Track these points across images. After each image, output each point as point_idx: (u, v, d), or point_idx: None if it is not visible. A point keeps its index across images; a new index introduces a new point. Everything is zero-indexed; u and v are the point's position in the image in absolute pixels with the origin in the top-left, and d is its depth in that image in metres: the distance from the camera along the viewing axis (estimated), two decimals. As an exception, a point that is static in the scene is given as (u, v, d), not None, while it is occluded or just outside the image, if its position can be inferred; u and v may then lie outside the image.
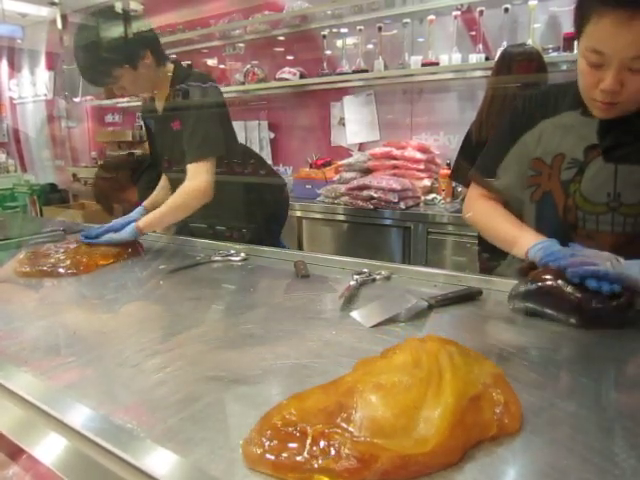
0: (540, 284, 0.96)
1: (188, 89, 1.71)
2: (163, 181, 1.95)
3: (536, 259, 1.02)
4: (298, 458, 0.55)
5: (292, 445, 0.56)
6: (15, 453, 0.65)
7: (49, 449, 0.60)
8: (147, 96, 1.89)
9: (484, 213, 1.28)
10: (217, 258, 1.47)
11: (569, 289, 0.91)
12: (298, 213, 2.99)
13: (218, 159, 1.70)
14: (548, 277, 0.95)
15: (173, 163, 1.83)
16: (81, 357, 0.85)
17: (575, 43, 2.37)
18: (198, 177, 1.64)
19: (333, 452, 0.54)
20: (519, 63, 2.11)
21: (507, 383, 0.69)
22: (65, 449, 0.59)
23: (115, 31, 1.60)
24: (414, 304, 1.03)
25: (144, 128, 2.04)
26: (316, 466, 0.54)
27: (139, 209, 1.75)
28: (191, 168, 1.64)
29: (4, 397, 0.70)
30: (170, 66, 1.76)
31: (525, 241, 1.08)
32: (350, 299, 1.09)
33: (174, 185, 1.83)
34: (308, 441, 0.56)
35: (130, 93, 1.79)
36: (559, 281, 0.93)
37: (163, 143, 1.85)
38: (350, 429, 0.56)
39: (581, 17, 0.96)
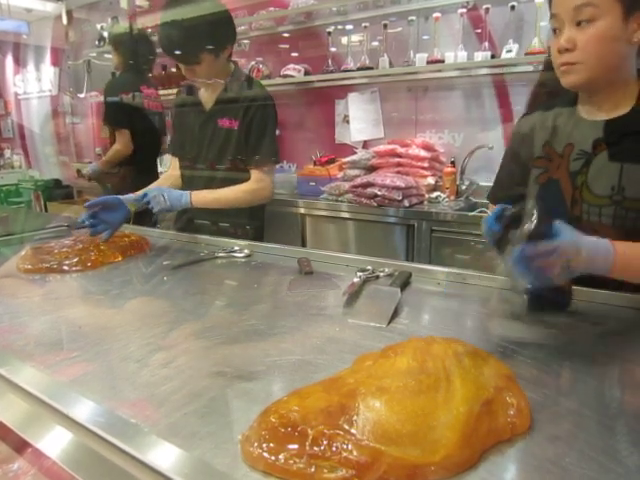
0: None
1: (254, 88, 1.79)
2: (172, 171, 1.95)
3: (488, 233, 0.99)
4: (298, 460, 0.54)
5: (292, 446, 0.55)
6: (20, 447, 0.66)
7: (54, 443, 0.60)
8: (187, 89, 1.90)
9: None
10: (221, 254, 1.47)
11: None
12: (302, 210, 2.99)
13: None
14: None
15: (214, 160, 1.81)
16: (86, 352, 0.86)
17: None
18: (266, 180, 1.76)
19: (335, 455, 0.53)
20: None
21: (517, 383, 0.68)
22: (70, 443, 0.60)
23: (212, 18, 1.66)
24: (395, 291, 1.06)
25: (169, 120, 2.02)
26: (317, 469, 0.52)
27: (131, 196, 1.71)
28: (258, 171, 1.75)
29: (9, 391, 0.71)
30: (232, 65, 1.82)
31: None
32: (354, 296, 1.09)
33: (191, 182, 1.84)
34: (308, 442, 0.55)
35: (197, 78, 1.77)
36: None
37: (202, 139, 1.82)
38: (353, 432, 0.55)
39: None
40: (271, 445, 0.55)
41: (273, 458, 0.54)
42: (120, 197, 1.60)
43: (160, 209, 1.60)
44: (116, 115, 3.08)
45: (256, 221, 1.90)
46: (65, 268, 1.34)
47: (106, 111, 3.13)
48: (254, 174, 1.74)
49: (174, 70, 3.91)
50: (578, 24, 0.98)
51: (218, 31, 1.70)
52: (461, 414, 0.58)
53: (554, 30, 1.04)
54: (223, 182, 1.76)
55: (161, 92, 3.51)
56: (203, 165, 1.84)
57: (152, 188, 1.68)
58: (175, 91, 2.08)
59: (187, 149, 1.88)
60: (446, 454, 0.54)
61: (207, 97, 1.81)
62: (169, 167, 2.04)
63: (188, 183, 1.87)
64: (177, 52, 1.67)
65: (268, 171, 1.76)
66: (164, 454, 0.55)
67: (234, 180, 1.76)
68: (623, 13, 0.96)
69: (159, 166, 3.52)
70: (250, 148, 1.74)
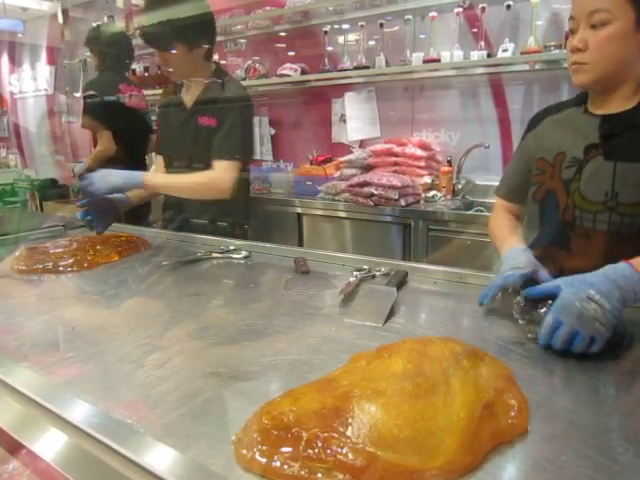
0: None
1: (233, 88, 1.79)
2: (158, 169, 1.94)
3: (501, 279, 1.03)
4: (292, 462, 0.53)
5: (285, 449, 0.54)
6: (15, 448, 0.65)
7: (49, 444, 0.60)
8: (172, 89, 1.91)
9: (492, 224, 1.32)
10: (217, 254, 1.47)
11: None
12: (298, 209, 2.98)
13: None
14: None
15: (193, 159, 1.81)
16: (81, 352, 0.86)
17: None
18: (225, 174, 1.67)
19: (330, 458, 0.52)
20: None
21: (516, 384, 0.68)
22: (65, 444, 0.59)
23: (192, 11, 1.68)
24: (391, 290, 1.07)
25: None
26: (311, 472, 0.51)
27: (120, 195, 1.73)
28: (220, 164, 1.68)
29: (4, 392, 0.71)
30: (212, 65, 1.82)
31: (503, 248, 1.14)
32: (350, 295, 1.09)
33: None
34: (302, 445, 0.53)
35: (173, 73, 1.79)
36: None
37: (184, 138, 1.83)
38: (348, 435, 0.54)
39: None
40: (264, 448, 0.55)
41: (265, 461, 0.54)
42: (108, 196, 1.61)
43: (109, 188, 1.52)
44: (95, 117, 3.01)
45: (252, 220, 1.90)
46: (61, 268, 1.33)
47: (84, 114, 3.06)
48: (214, 166, 1.68)
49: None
50: (592, 27, 1.02)
51: (195, 25, 1.71)
52: (461, 419, 0.57)
53: (571, 31, 1.07)
54: None
55: (150, 92, 3.48)
56: (185, 163, 1.84)
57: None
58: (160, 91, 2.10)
59: (170, 147, 1.89)
60: (446, 460, 0.53)
61: (188, 96, 1.83)
62: (156, 166, 2.04)
63: None
64: (151, 35, 1.70)
65: (229, 167, 1.68)
66: (159, 456, 0.54)
67: None
68: (636, 19, 0.99)
69: (153, 164, 3.50)
70: (216, 141, 1.71)
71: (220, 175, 1.67)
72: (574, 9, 1.05)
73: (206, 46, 1.74)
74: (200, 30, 1.74)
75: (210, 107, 1.77)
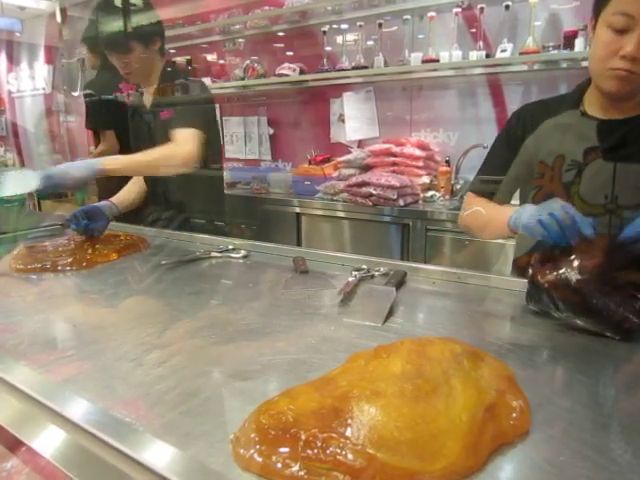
0: (541, 286, 0.89)
1: (187, 83, 1.82)
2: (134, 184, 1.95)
3: (517, 229, 1.01)
4: (290, 462, 0.52)
5: (283, 449, 0.53)
6: (14, 445, 0.65)
7: (48, 442, 0.60)
8: (134, 91, 1.94)
9: (472, 211, 1.29)
10: (216, 254, 1.47)
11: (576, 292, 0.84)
12: (297, 209, 2.98)
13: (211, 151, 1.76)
14: (548, 279, 0.88)
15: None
16: (80, 351, 0.85)
17: (577, 41, 2.37)
18: (185, 145, 1.60)
19: (329, 458, 0.51)
20: None
21: (517, 385, 0.67)
22: (64, 441, 0.59)
23: (137, 12, 1.74)
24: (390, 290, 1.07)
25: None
26: (310, 473, 0.51)
27: (106, 203, 1.75)
28: (179, 134, 1.62)
29: (2, 390, 0.70)
30: (163, 61, 1.85)
31: (504, 215, 1.08)
32: (349, 295, 1.09)
33: (153, 184, 1.86)
34: (300, 445, 0.53)
35: (132, 75, 1.81)
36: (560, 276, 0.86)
37: (153, 137, 1.83)
38: (347, 435, 0.53)
39: None
40: (262, 447, 0.54)
41: (263, 460, 0.53)
42: (97, 205, 1.67)
43: (74, 180, 1.47)
44: (99, 117, 3.00)
45: (254, 220, 1.91)
46: (59, 267, 1.33)
47: (88, 114, 3.05)
48: (174, 136, 1.62)
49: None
50: None
51: (143, 23, 1.74)
52: (464, 423, 0.56)
53: (615, 29, 0.96)
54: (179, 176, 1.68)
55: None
56: None
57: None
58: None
59: (139, 148, 1.89)
60: (448, 463, 0.52)
61: (146, 97, 1.86)
62: None
63: (151, 182, 1.90)
64: (110, 42, 1.74)
65: (189, 135, 1.62)
66: (159, 453, 0.54)
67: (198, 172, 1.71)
68: None
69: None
70: (175, 116, 1.71)
71: (180, 144, 1.60)
72: (629, 5, 0.92)
73: (158, 41, 1.79)
74: (150, 27, 1.77)
75: (169, 103, 1.80)
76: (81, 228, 1.57)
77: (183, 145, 1.61)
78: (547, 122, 1.19)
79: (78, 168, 1.48)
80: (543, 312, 0.93)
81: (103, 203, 1.73)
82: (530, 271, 0.92)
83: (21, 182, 1.57)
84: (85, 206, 1.66)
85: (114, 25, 1.70)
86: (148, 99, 1.86)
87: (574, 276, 0.84)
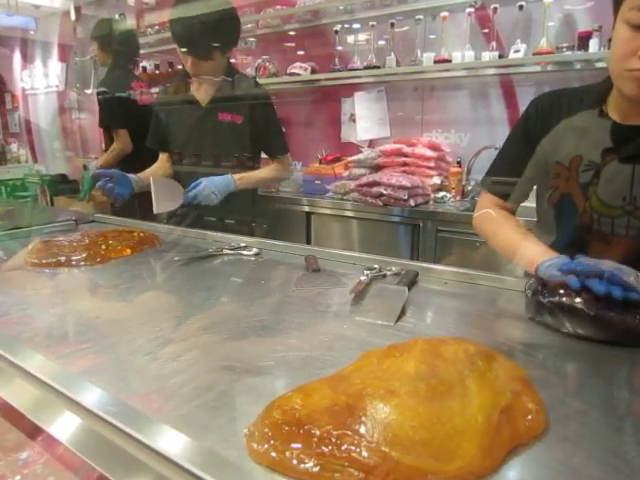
0: (557, 299, 0.88)
1: (247, 85, 1.89)
2: (160, 165, 2.00)
3: (545, 276, 0.96)
4: (304, 458, 0.52)
5: (296, 445, 0.54)
6: (32, 433, 0.66)
7: (65, 428, 0.61)
8: (182, 87, 1.95)
9: (491, 219, 1.28)
10: (229, 251, 1.48)
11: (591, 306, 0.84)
12: (307, 208, 2.99)
13: None
14: (563, 291, 0.88)
15: (217, 154, 1.87)
16: (94, 345, 0.86)
17: (591, 42, 2.35)
18: (289, 166, 2.09)
19: (344, 455, 0.51)
20: None
21: (532, 386, 0.67)
22: (80, 429, 0.60)
23: (225, 15, 1.78)
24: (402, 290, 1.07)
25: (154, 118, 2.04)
26: (323, 469, 0.51)
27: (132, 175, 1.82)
28: (284, 159, 2.04)
29: (18, 376, 0.72)
30: (225, 61, 1.88)
31: (531, 253, 1.05)
32: (361, 294, 1.09)
33: (190, 177, 1.85)
34: (315, 441, 0.53)
35: (202, 74, 1.84)
36: (577, 298, 0.86)
37: (199, 134, 1.86)
38: (362, 433, 0.53)
39: None
40: (275, 443, 0.55)
41: (276, 455, 0.54)
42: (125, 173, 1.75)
43: (218, 200, 1.74)
44: (113, 115, 3.02)
45: (264, 219, 1.93)
46: (74, 262, 1.35)
47: (101, 113, 3.07)
48: (280, 161, 2.01)
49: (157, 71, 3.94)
50: None
51: (229, 29, 1.76)
52: (479, 424, 0.56)
53: (633, 25, 0.91)
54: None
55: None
56: (205, 159, 1.87)
57: (200, 181, 1.75)
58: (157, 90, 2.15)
59: (182, 145, 1.90)
60: (464, 464, 0.52)
61: (202, 93, 1.84)
62: (159, 162, 2.08)
63: (186, 178, 1.88)
64: (192, 46, 1.73)
65: (288, 157, 2.05)
66: (175, 442, 0.55)
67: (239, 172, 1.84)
68: None
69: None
70: (272, 139, 1.97)
71: (288, 169, 2.09)
72: None
73: (235, 45, 1.86)
74: (233, 32, 1.82)
75: (230, 103, 1.82)
76: (107, 190, 1.60)
77: (289, 167, 2.10)
78: (564, 122, 1.16)
79: (218, 187, 1.75)
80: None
81: (129, 175, 1.78)
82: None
83: (170, 197, 1.68)
84: (113, 170, 1.74)
85: (199, 30, 1.71)
86: (203, 95, 1.86)
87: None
